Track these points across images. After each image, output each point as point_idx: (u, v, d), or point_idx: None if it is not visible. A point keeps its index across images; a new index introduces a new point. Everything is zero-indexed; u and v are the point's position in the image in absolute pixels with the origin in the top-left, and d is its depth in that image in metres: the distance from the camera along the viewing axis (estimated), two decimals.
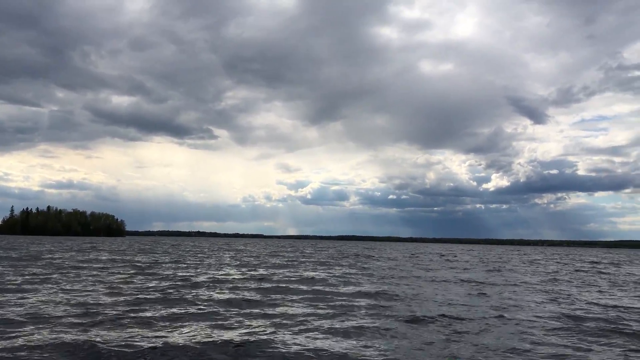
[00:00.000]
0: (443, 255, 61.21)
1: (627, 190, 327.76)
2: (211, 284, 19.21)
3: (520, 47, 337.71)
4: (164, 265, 30.00)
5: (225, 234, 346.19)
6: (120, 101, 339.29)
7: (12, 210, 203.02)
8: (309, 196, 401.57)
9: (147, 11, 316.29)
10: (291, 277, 23.45)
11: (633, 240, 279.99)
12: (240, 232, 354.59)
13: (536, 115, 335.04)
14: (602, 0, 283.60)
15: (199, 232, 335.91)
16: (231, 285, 19.26)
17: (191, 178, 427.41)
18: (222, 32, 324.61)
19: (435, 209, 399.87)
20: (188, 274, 23.98)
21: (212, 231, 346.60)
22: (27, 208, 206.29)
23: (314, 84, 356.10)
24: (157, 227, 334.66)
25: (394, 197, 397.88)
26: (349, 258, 46.48)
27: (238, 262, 34.95)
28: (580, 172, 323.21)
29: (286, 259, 41.13)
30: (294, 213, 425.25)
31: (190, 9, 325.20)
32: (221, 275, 23.83)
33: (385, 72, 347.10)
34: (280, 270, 27.52)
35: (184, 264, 31.70)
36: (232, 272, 25.86)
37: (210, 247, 73.91)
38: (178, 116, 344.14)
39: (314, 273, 26.06)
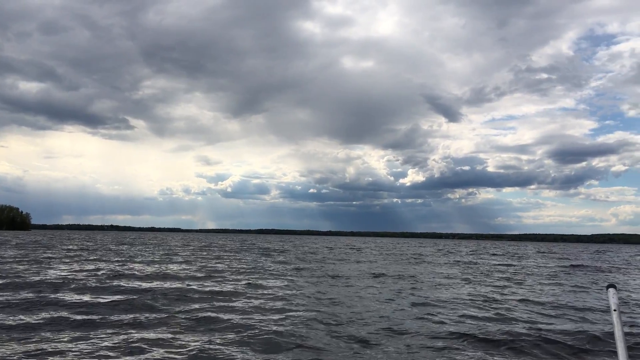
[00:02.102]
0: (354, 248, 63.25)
1: (532, 187, 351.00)
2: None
3: (438, 47, 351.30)
4: None
5: (140, 227, 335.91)
6: (29, 87, 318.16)
7: None
8: (229, 189, 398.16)
9: None
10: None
11: (536, 234, 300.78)
12: (157, 226, 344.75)
13: (451, 114, 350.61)
14: (513, 4, 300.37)
15: (112, 225, 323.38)
16: None
17: (105, 169, 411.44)
18: (140, 18, 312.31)
19: (354, 203, 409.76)
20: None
21: (127, 225, 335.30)
22: None
23: (237, 75, 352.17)
24: (67, 220, 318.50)
25: (315, 191, 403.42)
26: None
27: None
28: (490, 168, 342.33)
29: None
30: (214, 206, 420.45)
31: None
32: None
33: (308, 67, 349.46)
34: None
35: None
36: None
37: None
38: (92, 105, 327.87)
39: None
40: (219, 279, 19.89)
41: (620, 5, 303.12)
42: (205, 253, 41.40)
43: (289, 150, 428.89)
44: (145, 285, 17.12)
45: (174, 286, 16.88)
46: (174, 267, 24.95)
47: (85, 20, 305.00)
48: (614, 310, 3.22)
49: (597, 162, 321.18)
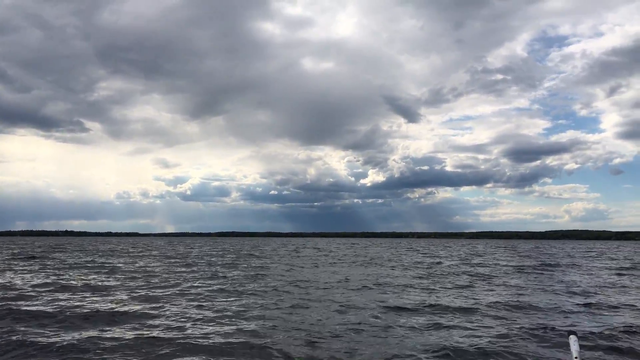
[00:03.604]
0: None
1: (488, 185, 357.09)
2: None
3: (396, 49, 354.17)
4: None
5: (96, 232, 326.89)
6: None
7: None
8: (188, 192, 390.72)
9: None
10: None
11: (492, 231, 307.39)
12: (113, 231, 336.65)
13: (410, 114, 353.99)
14: (470, 6, 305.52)
15: (67, 231, 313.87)
16: None
17: (59, 174, 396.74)
18: (94, 18, 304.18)
19: (316, 204, 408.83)
20: None
21: (82, 230, 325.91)
22: None
23: (195, 77, 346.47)
24: (19, 226, 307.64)
25: (275, 192, 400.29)
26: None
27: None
28: (448, 168, 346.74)
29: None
30: (173, 210, 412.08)
31: None
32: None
33: (268, 68, 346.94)
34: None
35: None
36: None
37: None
38: (44, 107, 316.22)
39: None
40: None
41: (572, 7, 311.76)
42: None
43: (249, 152, 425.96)
44: None
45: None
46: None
47: (37, 20, 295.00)
48: (575, 357, 3.36)
49: (550, 161, 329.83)
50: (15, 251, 53.07)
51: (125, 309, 13.84)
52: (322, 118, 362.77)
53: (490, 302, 15.62)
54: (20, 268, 28.39)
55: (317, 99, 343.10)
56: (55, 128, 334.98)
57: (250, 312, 13.62)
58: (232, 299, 16.24)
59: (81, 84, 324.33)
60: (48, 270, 26.59)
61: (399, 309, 14.35)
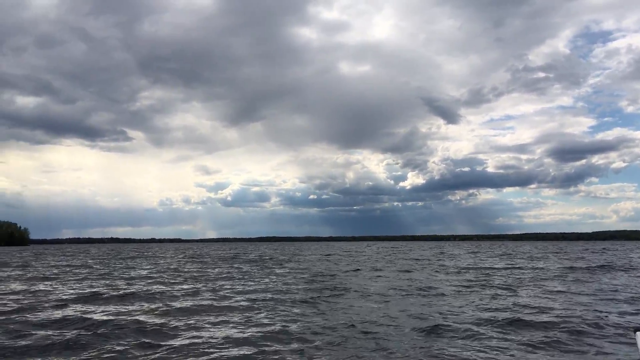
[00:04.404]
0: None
1: (532, 186, 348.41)
2: None
3: (434, 50, 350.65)
4: None
5: (140, 239, 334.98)
6: (26, 102, 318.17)
7: None
8: (229, 198, 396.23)
9: (54, 7, 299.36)
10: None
11: (537, 233, 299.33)
12: (157, 237, 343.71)
13: (449, 115, 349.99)
14: (509, 4, 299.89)
15: (112, 238, 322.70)
16: None
17: (104, 182, 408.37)
18: (135, 30, 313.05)
19: (355, 207, 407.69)
20: None
21: (127, 237, 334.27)
22: None
23: (234, 84, 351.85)
24: (67, 234, 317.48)
25: (314, 197, 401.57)
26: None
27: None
28: (490, 169, 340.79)
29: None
30: (214, 215, 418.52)
31: (100, 5, 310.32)
32: None
33: (305, 73, 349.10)
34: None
35: None
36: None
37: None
38: (89, 117, 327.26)
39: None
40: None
41: (616, 2, 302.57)
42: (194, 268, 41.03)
43: (287, 157, 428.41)
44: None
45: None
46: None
47: (80, 33, 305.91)
48: None
49: (596, 160, 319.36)
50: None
51: None
52: (360, 121, 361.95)
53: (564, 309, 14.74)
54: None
55: (355, 103, 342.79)
56: (99, 138, 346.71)
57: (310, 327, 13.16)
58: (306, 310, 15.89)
59: (124, 94, 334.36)
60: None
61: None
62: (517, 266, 33.54)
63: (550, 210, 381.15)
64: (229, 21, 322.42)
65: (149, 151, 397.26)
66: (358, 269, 31.50)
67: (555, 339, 10.42)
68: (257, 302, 15.77)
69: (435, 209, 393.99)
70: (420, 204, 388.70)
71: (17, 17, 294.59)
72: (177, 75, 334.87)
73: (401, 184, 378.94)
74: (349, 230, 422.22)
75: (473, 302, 15.83)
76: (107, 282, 23.47)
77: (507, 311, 13.85)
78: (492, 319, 12.64)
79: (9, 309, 14.61)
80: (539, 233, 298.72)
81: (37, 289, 20.31)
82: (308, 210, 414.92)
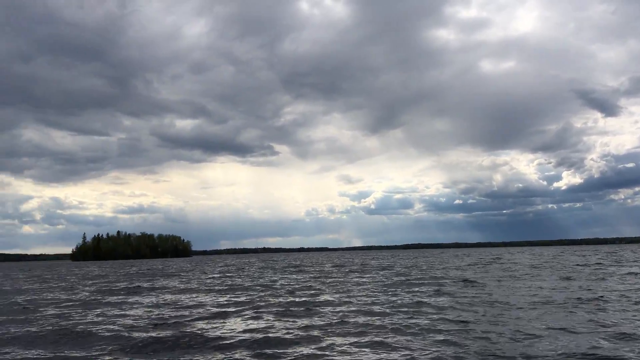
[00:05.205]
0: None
1: None
2: None
3: (585, 38, 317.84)
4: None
5: (290, 248, 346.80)
6: (184, 125, 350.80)
7: (84, 238, 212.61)
8: (372, 206, 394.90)
9: (205, 35, 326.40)
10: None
11: None
12: (305, 246, 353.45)
13: (607, 108, 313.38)
14: None
15: (264, 248, 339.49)
16: None
17: (255, 195, 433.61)
18: (277, 49, 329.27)
19: (504, 211, 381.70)
20: None
21: (277, 246, 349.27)
22: (99, 234, 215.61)
23: (372, 92, 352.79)
24: (224, 245, 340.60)
25: (460, 202, 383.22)
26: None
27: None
28: None
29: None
30: (358, 224, 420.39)
31: (246, 29, 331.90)
32: None
33: (444, 75, 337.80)
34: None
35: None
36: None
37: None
38: (239, 135, 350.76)
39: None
40: None
41: None
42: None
43: (430, 162, 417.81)
44: None
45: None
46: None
47: (229, 57, 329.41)
48: None
49: None
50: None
51: None
52: (506, 121, 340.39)
53: None
54: None
55: (499, 102, 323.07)
56: (249, 153, 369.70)
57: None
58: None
59: (269, 110, 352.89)
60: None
61: None
62: None
63: None
64: (365, 32, 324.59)
65: (294, 164, 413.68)
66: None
67: None
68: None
69: (595, 210, 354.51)
70: (578, 205, 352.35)
71: (173, 48, 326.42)
72: (318, 89, 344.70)
73: (555, 184, 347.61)
74: (500, 236, 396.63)
75: None
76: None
77: None
78: None
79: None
80: None
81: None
82: (454, 216, 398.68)
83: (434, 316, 14.56)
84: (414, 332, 12.27)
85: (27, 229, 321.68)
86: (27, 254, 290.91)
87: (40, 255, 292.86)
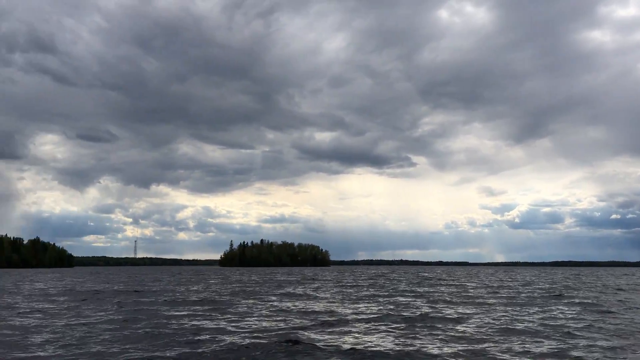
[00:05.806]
0: None
1: None
2: None
3: None
4: None
5: (428, 262, 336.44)
6: (323, 137, 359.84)
7: (231, 245, 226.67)
8: (516, 220, 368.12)
9: (343, 49, 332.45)
10: None
11: None
12: (444, 260, 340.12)
13: None
14: None
15: (402, 260, 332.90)
16: None
17: (391, 207, 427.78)
18: (415, 59, 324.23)
19: None
20: None
21: (415, 259, 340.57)
22: (244, 242, 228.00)
23: (516, 100, 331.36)
24: (361, 256, 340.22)
25: (618, 216, 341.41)
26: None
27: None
28: None
29: None
30: (501, 238, 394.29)
31: (383, 41, 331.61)
32: None
33: (598, 80, 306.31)
34: None
35: None
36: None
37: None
38: (376, 147, 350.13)
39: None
40: None
41: None
42: None
43: (582, 174, 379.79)
44: None
45: None
46: None
47: (366, 70, 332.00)
48: None
49: None
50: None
51: None
52: None
53: None
54: None
55: None
56: (386, 165, 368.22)
57: None
58: None
59: (406, 122, 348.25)
60: None
61: None
62: None
63: None
64: (509, 37, 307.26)
65: (432, 175, 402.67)
66: None
67: None
68: None
69: None
70: None
71: (314, 63, 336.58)
72: (457, 98, 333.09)
73: None
74: None
75: None
76: None
77: None
78: None
79: None
80: None
81: None
82: (611, 232, 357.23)
83: None
84: None
85: (182, 235, 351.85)
86: (181, 259, 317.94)
87: (193, 260, 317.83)
